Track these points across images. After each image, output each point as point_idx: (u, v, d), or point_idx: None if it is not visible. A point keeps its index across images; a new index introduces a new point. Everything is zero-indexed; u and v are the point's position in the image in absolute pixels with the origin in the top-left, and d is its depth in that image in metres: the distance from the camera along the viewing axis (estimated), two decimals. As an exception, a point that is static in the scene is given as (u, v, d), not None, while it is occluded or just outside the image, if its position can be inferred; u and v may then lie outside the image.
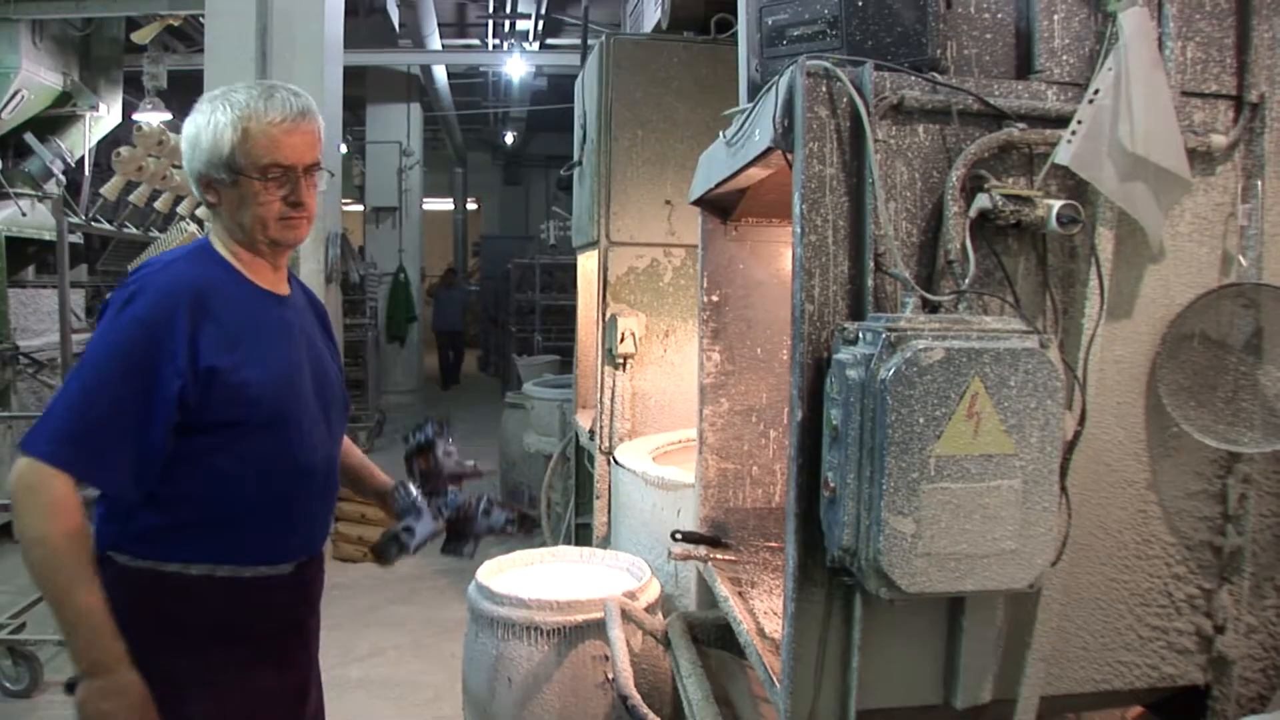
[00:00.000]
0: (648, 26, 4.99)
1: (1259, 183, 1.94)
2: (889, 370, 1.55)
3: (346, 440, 2.35)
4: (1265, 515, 1.97)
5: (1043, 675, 1.88)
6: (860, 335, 1.66)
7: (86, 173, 8.16)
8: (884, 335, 1.58)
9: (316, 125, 1.95)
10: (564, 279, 14.11)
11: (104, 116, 8.91)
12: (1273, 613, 1.99)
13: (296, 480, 1.96)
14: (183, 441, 1.82)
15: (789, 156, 1.80)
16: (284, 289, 2.05)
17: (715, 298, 2.70)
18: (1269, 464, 1.96)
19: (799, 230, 1.74)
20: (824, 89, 1.76)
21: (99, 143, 8.95)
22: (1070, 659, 1.94)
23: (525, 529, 2.41)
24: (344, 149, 10.16)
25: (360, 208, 14.90)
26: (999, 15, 1.93)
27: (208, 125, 1.89)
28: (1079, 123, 1.78)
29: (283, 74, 5.77)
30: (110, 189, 6.31)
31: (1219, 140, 1.92)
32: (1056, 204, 1.75)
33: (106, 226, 6.64)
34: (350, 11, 7.81)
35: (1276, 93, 1.94)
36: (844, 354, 1.66)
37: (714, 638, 2.56)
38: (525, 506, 2.44)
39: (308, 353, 2.04)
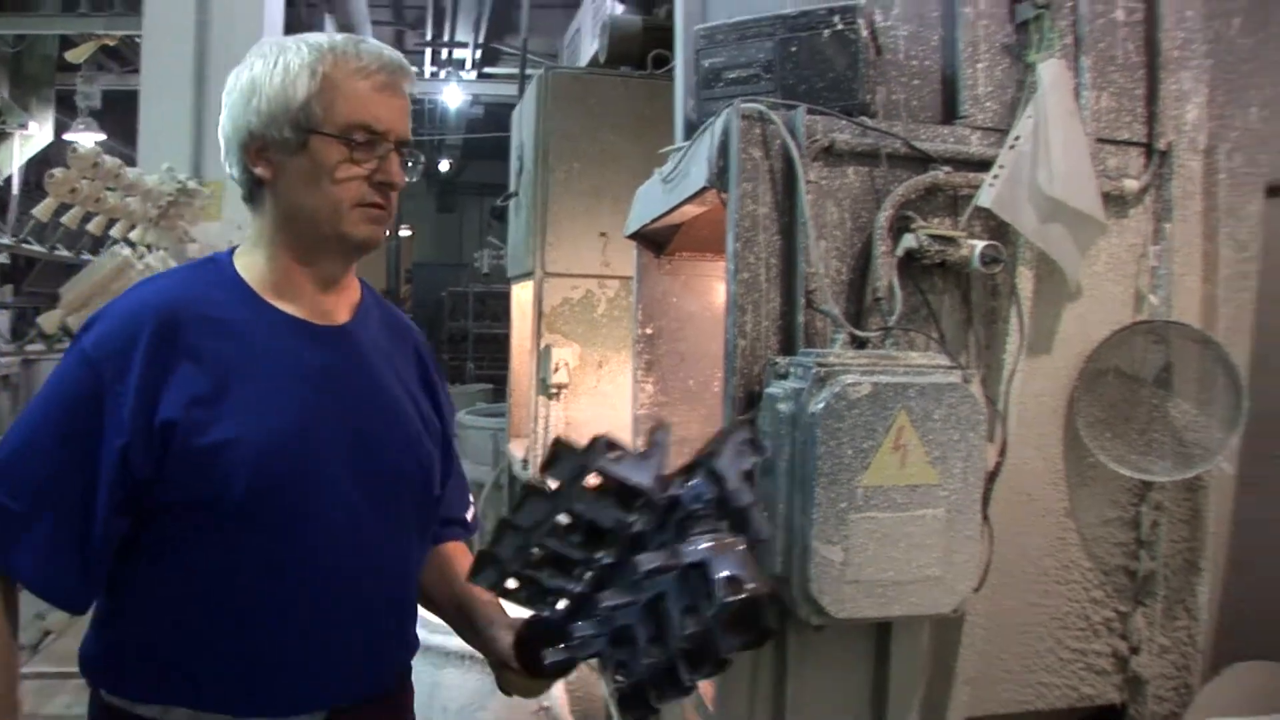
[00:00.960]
0: (585, 59, 5.06)
1: (1168, 225, 2.04)
2: (818, 404, 1.61)
3: (454, 551, 1.66)
4: (1176, 541, 2.06)
5: (967, 698, 1.94)
6: (791, 370, 1.71)
7: (15, 191, 8.01)
8: (814, 370, 1.64)
9: (410, 92, 1.42)
10: (496, 307, 14.11)
11: (34, 135, 8.77)
12: (1184, 633, 2.08)
13: (307, 593, 1.34)
14: (137, 530, 1.31)
15: (723, 195, 1.86)
16: (339, 316, 1.45)
17: (649, 330, 2.75)
18: (1179, 492, 2.05)
19: (732, 268, 1.80)
20: (758, 131, 1.83)
21: (28, 161, 8.80)
22: (994, 681, 2.01)
23: (750, 631, 1.22)
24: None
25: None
26: (926, 63, 2.02)
27: (274, 68, 1.36)
28: (1000, 167, 1.87)
29: (221, 97, 5.73)
30: (43, 210, 6.18)
31: (1131, 185, 2.02)
32: (979, 244, 1.83)
33: (37, 248, 6.53)
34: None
35: (1182, 141, 2.05)
36: (775, 388, 1.71)
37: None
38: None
39: (354, 407, 1.40)
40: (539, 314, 4.69)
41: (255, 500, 1.29)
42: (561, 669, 1.31)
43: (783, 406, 1.66)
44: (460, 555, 1.66)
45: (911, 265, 1.85)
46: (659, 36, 4.25)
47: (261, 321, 1.37)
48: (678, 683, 1.22)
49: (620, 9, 4.64)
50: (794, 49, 1.94)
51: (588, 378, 4.67)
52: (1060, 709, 2.08)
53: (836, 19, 1.91)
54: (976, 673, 1.96)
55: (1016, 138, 1.89)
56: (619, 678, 1.23)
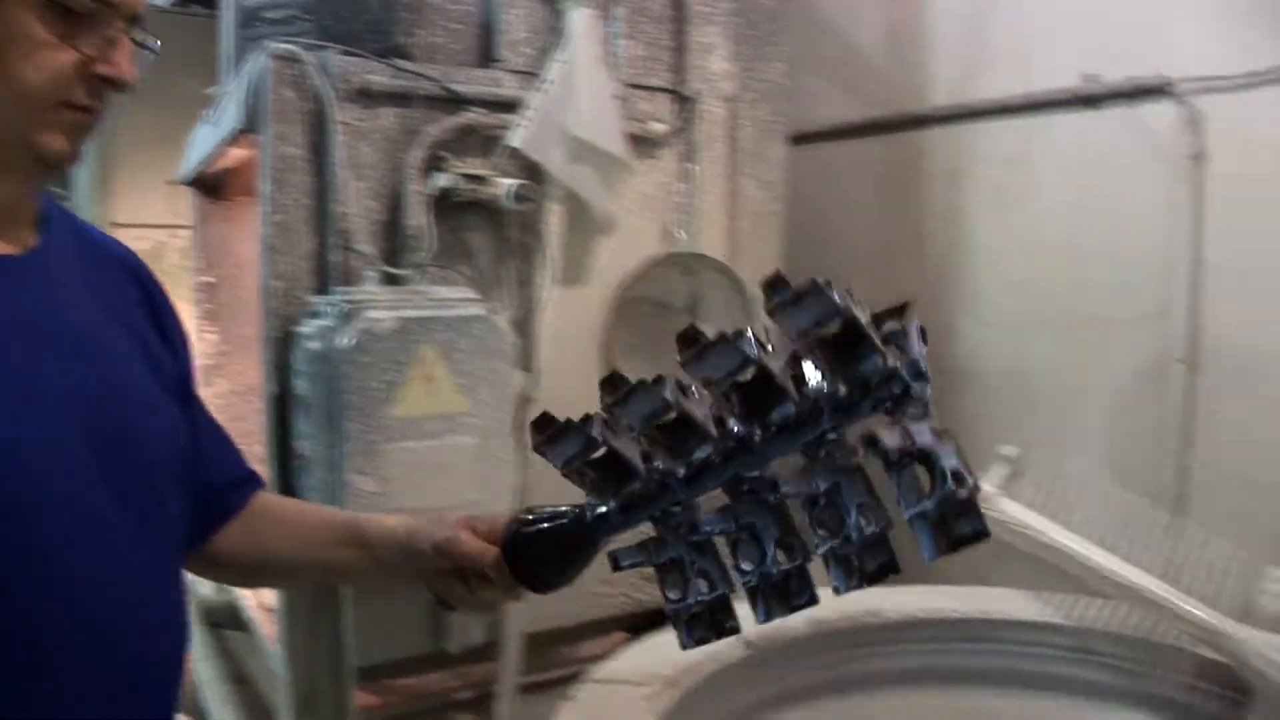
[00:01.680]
0: (162, -1, 4.77)
1: (694, 166, 2.22)
2: (345, 339, 1.64)
3: (274, 499, 1.23)
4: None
5: (525, 615, 2.05)
6: (322, 309, 1.74)
7: None
8: (341, 308, 1.67)
9: None
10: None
11: None
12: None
13: (53, 662, 0.86)
14: None
15: (258, 137, 1.84)
16: (23, 239, 0.93)
17: (210, 278, 2.68)
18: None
19: (267, 209, 1.80)
20: (291, 72, 1.82)
21: None
22: (549, 598, 2.12)
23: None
24: None
25: None
26: (466, 8, 2.07)
27: None
28: (531, 109, 1.96)
29: None
30: None
31: (659, 128, 2.18)
32: (512, 183, 1.91)
33: None
34: None
35: (708, 89, 2.23)
36: (306, 327, 1.73)
37: (231, 620, 2.55)
38: None
39: (70, 365, 0.91)
40: (107, 267, 4.42)
41: None
42: (560, 575, 1.03)
43: (313, 344, 1.68)
44: (281, 500, 1.30)
45: (446, 204, 1.91)
46: (234, -22, 4.06)
47: None
48: (806, 588, 0.91)
49: (192, -55, 4.39)
50: (332, -11, 1.94)
51: (161, 331, 4.46)
52: (618, 616, 2.24)
53: (372, -38, 1.93)
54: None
55: (548, 82, 1.99)
56: (706, 587, 0.93)
